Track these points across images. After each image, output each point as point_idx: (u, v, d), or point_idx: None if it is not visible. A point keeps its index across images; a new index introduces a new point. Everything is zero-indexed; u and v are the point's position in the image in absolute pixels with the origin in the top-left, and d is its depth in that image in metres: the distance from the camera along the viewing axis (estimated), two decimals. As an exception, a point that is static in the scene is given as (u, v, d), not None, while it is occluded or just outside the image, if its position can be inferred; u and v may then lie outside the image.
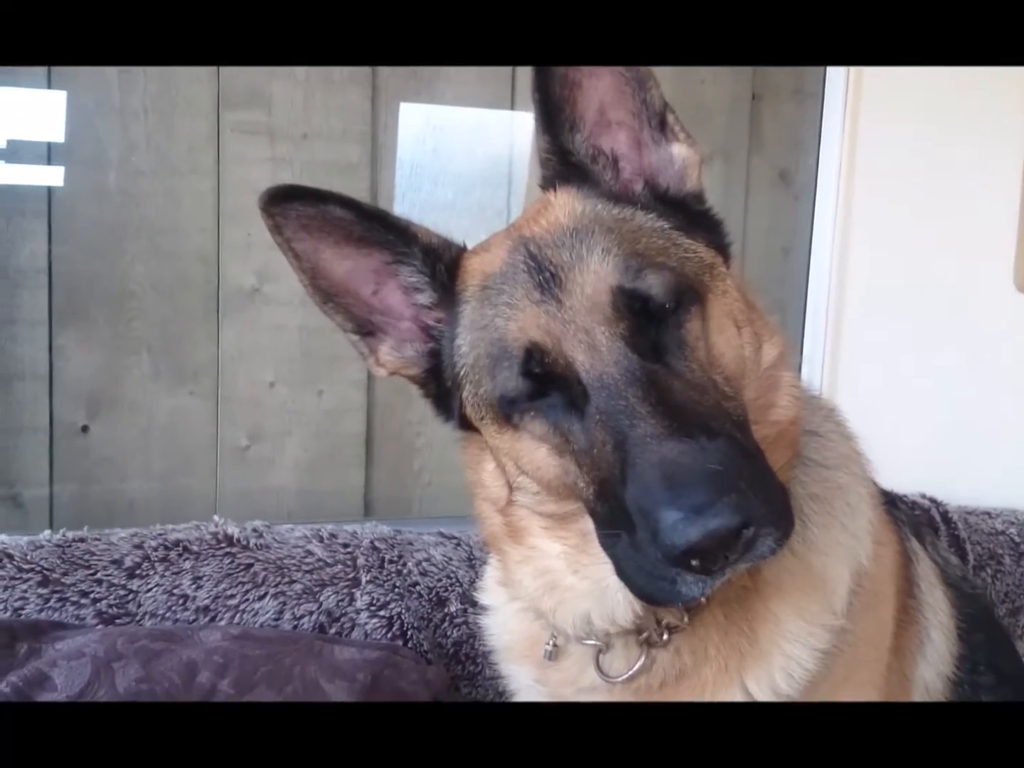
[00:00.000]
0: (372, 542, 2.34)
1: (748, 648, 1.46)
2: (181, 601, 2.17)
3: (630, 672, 1.49)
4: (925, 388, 2.99)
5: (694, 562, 1.16)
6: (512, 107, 2.89)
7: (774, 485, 1.24)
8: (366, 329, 1.54)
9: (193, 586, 2.18)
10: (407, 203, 2.85)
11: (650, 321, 1.31)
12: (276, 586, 2.21)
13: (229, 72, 2.63)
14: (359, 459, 2.86)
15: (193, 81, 2.62)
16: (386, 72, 2.76)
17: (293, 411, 2.79)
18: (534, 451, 1.37)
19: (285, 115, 2.70)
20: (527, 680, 1.65)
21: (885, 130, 2.96)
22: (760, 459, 1.27)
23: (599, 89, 1.42)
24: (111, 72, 2.56)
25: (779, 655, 1.45)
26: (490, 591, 1.75)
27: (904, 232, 2.99)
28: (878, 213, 2.97)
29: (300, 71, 2.67)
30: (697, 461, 1.17)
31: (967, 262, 3.03)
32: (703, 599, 1.36)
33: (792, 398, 1.46)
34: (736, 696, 1.46)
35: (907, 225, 2.99)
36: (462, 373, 1.43)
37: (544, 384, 1.32)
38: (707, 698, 1.46)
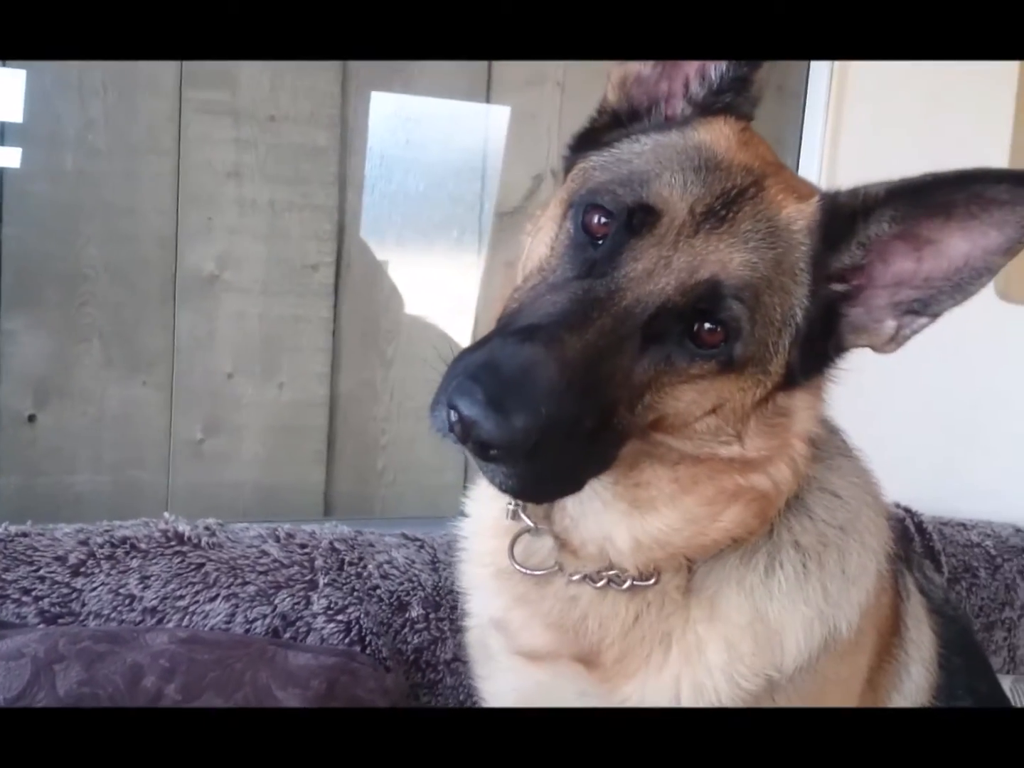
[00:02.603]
0: (331, 543, 2.25)
1: (661, 654, 1.46)
2: (127, 601, 2.07)
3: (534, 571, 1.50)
4: (903, 396, 2.93)
5: (452, 412, 1.16)
6: (487, 100, 2.81)
7: (563, 470, 1.25)
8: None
9: (140, 586, 2.09)
10: (377, 192, 2.77)
11: (687, 319, 1.28)
12: (228, 587, 2.11)
13: (193, 49, 2.52)
14: (320, 455, 2.76)
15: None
16: (357, 56, 2.67)
17: (251, 404, 2.68)
18: (542, 244, 1.38)
19: (251, 96, 2.60)
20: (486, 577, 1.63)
21: (866, 134, 2.90)
22: (583, 453, 1.25)
23: (935, 260, 1.34)
24: (71, 47, 2.45)
25: (688, 675, 1.44)
26: (474, 499, 1.73)
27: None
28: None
29: (268, 50, 2.57)
30: (537, 378, 1.16)
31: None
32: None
33: (783, 479, 1.41)
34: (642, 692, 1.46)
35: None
36: (614, 151, 1.40)
37: (616, 232, 1.30)
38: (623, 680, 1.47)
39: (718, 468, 1.40)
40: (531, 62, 2.81)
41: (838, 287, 1.38)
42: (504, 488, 1.24)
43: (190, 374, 2.63)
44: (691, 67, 1.44)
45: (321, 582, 2.17)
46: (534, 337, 1.19)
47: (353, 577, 2.21)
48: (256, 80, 2.59)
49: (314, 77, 2.64)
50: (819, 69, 2.92)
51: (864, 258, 1.37)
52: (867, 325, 1.39)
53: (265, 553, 2.18)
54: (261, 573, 2.15)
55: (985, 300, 2.91)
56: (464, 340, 2.79)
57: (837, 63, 2.84)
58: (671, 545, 1.42)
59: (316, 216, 2.67)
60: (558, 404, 1.16)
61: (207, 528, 2.20)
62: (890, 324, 1.38)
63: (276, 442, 2.72)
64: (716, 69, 1.42)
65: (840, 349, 1.42)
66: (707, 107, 1.42)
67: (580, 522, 1.46)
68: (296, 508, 2.70)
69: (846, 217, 1.35)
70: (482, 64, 2.78)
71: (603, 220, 1.32)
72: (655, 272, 1.26)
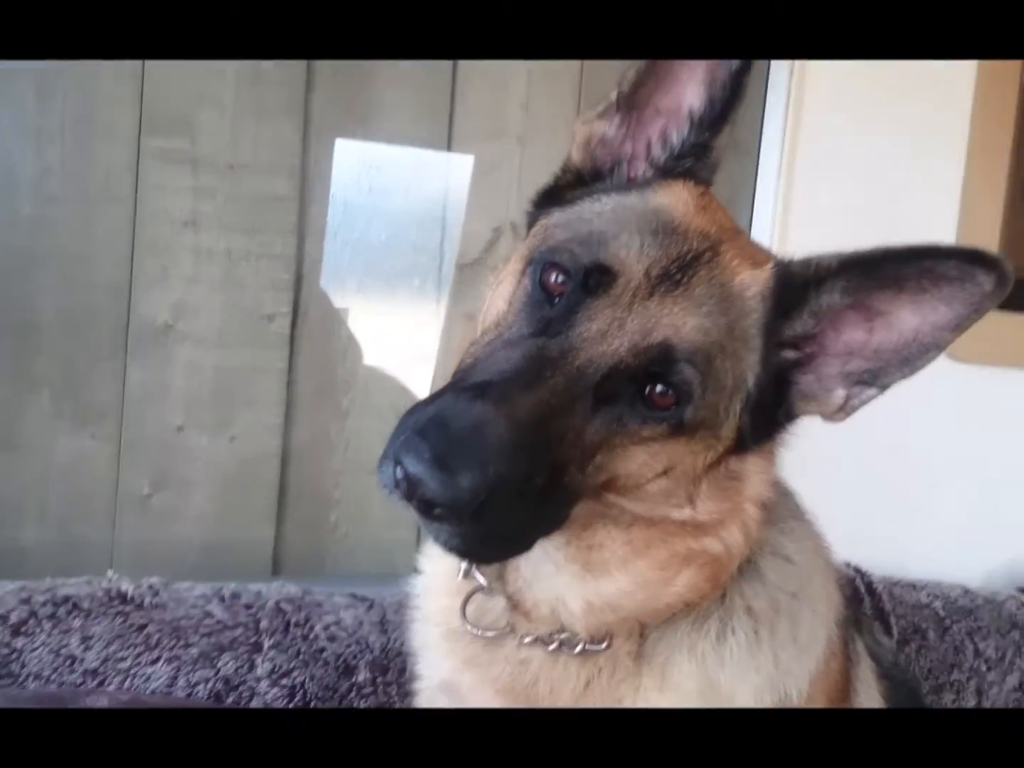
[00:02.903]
0: (277, 603, 2.21)
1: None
2: (68, 662, 2.02)
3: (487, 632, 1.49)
4: (853, 456, 2.94)
5: (397, 467, 1.16)
6: (448, 148, 2.81)
7: (510, 531, 1.25)
8: (622, 104, 1.48)
9: (82, 647, 2.04)
10: (339, 240, 2.75)
11: (639, 380, 1.29)
12: (171, 649, 2.07)
13: (152, 98, 2.50)
14: (270, 511, 2.71)
15: (114, 105, 2.49)
16: (319, 105, 2.65)
17: (201, 457, 2.64)
18: (499, 299, 1.39)
19: (210, 144, 2.57)
20: (435, 635, 1.62)
21: (819, 190, 2.93)
22: (532, 512, 1.25)
23: (887, 330, 1.37)
24: (28, 93, 2.43)
25: None
26: (428, 555, 1.71)
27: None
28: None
29: (228, 99, 2.56)
30: (485, 437, 1.15)
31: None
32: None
33: (735, 542, 1.42)
34: None
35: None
36: (575, 208, 1.43)
37: (571, 292, 1.31)
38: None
39: (671, 531, 1.40)
40: (492, 115, 2.81)
41: (790, 354, 1.40)
42: (448, 547, 1.24)
43: (139, 427, 2.59)
44: (654, 130, 1.47)
45: (266, 644, 2.14)
46: (485, 394, 1.19)
47: (299, 639, 2.17)
48: (216, 129, 2.57)
49: (275, 126, 2.62)
50: (773, 127, 2.93)
51: (816, 327, 1.39)
52: (817, 393, 1.41)
53: (209, 614, 2.14)
54: (204, 635, 2.11)
55: (937, 361, 2.94)
56: (423, 391, 2.77)
57: (790, 121, 2.86)
58: (623, 609, 1.42)
59: (273, 265, 2.65)
60: (506, 463, 1.16)
61: (150, 587, 2.16)
62: (840, 393, 1.40)
63: (225, 497, 2.68)
64: (678, 134, 1.45)
65: (790, 416, 1.43)
66: (668, 171, 1.45)
67: (533, 583, 1.45)
68: (244, 565, 2.66)
69: (799, 286, 1.37)
70: (444, 113, 2.77)
71: (560, 279, 1.33)
72: (609, 333, 1.27)
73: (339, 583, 2.41)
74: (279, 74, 2.59)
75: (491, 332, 1.37)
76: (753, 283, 1.36)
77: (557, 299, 1.32)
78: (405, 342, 2.87)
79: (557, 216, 1.44)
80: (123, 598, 2.11)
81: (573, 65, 2.86)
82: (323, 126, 2.68)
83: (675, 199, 1.40)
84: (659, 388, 1.29)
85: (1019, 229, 3.12)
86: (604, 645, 1.44)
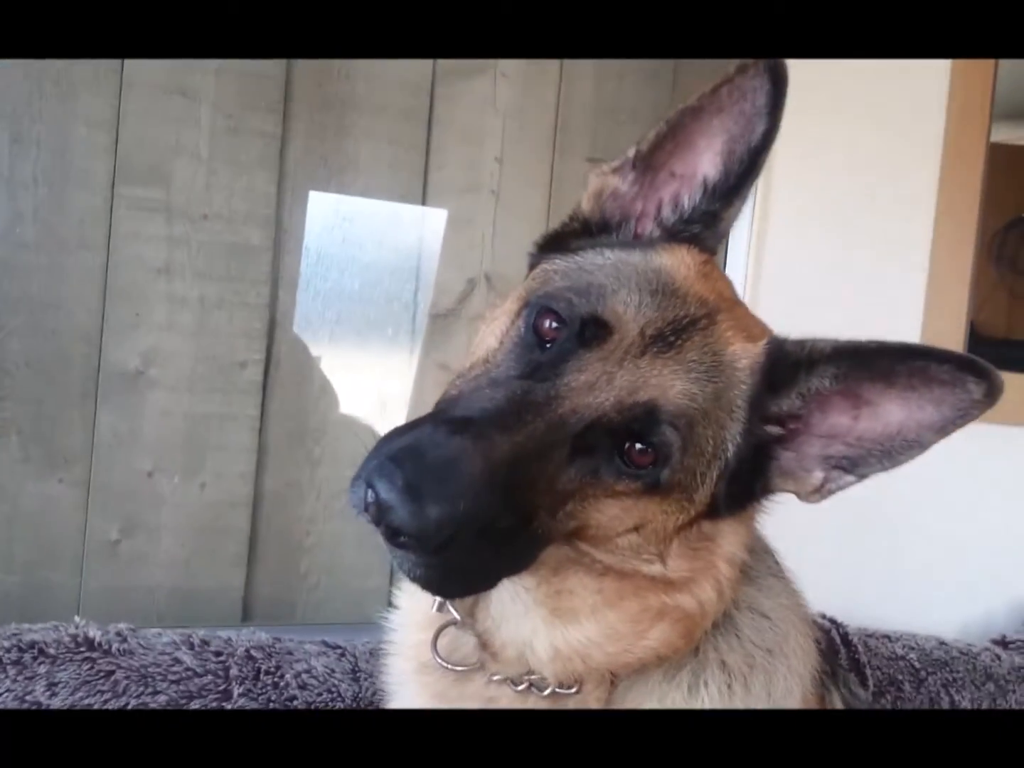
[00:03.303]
0: (247, 651, 2.17)
1: None
2: (34, 709, 1.96)
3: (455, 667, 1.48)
4: (826, 506, 2.95)
5: (369, 491, 1.16)
6: (423, 201, 2.84)
7: (475, 569, 1.25)
8: (639, 163, 1.49)
9: (47, 693, 1.99)
10: (312, 291, 2.77)
11: (619, 437, 1.29)
12: (138, 696, 2.03)
13: (128, 147, 2.52)
14: (240, 558, 2.69)
15: (89, 153, 2.51)
16: (294, 157, 2.69)
17: (171, 503, 2.62)
18: (490, 336, 1.40)
19: (185, 194, 2.59)
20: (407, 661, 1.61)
21: (790, 241, 2.97)
22: (500, 554, 1.26)
23: (876, 421, 1.37)
24: (2, 139, 2.44)
25: None
26: (405, 590, 1.69)
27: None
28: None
29: (204, 149, 2.58)
30: (459, 472, 1.15)
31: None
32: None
33: (707, 600, 1.41)
34: None
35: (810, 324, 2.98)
36: (578, 258, 1.43)
37: (564, 339, 1.32)
38: None
39: (643, 585, 1.39)
40: (466, 168, 2.85)
41: (773, 430, 1.40)
42: (412, 577, 1.23)
43: (109, 472, 2.56)
44: (666, 192, 1.48)
45: (235, 692, 2.10)
46: (464, 430, 1.19)
47: (269, 687, 2.14)
48: (191, 179, 2.59)
49: (250, 175, 2.65)
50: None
51: (802, 407, 1.39)
52: (795, 472, 1.41)
53: (178, 661, 2.10)
54: (173, 682, 2.07)
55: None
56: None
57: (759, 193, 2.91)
58: (592, 659, 1.40)
59: (246, 314, 2.66)
60: (477, 501, 1.16)
61: (118, 634, 2.11)
62: (818, 475, 1.41)
63: (195, 544, 2.65)
64: (690, 199, 1.47)
65: (766, 490, 1.44)
66: (674, 233, 1.46)
67: (502, 624, 1.44)
68: (214, 613, 2.63)
69: (790, 365, 1.37)
70: (419, 166, 2.81)
71: (555, 325, 1.34)
72: (596, 386, 1.28)
73: (310, 631, 2.38)
74: (255, 125, 2.62)
75: (479, 367, 1.37)
76: (745, 355, 1.37)
77: (549, 344, 1.33)
78: (377, 391, 2.88)
79: (559, 263, 1.45)
80: (90, 644, 2.07)
81: (548, 119, 2.92)
82: (298, 178, 2.71)
83: (678, 262, 1.41)
84: (639, 446, 1.29)
85: (987, 290, 3.18)
86: (574, 690, 1.43)
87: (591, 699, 1.43)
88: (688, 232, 1.46)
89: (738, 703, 1.44)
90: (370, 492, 1.16)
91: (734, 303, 1.46)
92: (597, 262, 1.42)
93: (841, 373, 1.36)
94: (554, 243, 1.51)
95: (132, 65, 2.50)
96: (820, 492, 1.42)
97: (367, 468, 1.18)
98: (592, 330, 1.32)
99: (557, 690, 1.43)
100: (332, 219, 2.80)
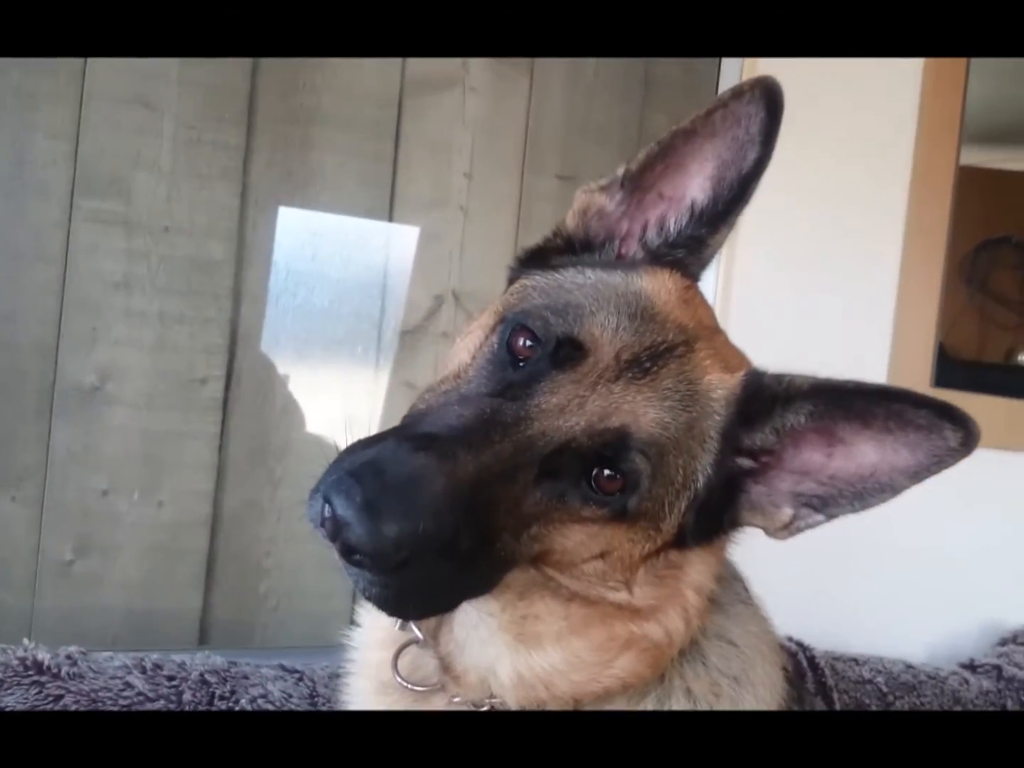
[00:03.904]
0: (202, 675, 2.12)
1: None
2: (-23, 735, 1.92)
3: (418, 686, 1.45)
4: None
5: (325, 506, 1.13)
6: (391, 217, 2.80)
7: (435, 591, 1.22)
8: (627, 182, 1.47)
9: (-7, 718, 1.94)
10: (280, 306, 2.73)
11: (589, 463, 1.26)
12: (87, 722, 1.98)
13: (88, 158, 2.48)
14: (198, 579, 2.63)
15: (48, 164, 2.46)
16: (257, 170, 2.65)
17: (127, 523, 2.55)
18: (462, 351, 1.38)
19: (146, 207, 2.54)
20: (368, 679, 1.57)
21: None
22: (462, 576, 1.23)
23: (845, 460, 1.35)
24: (-41, 152, 2.40)
25: None
26: (367, 608, 1.64)
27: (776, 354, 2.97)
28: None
29: (165, 162, 2.54)
30: (421, 490, 1.13)
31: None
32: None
33: (675, 629, 1.39)
34: None
35: (775, 364, 2.97)
36: (557, 275, 1.41)
37: (538, 358, 1.29)
38: None
39: (610, 613, 1.37)
40: (435, 184, 2.82)
41: (745, 462, 1.38)
42: (367, 596, 1.20)
43: (63, 490, 2.50)
44: (653, 214, 1.46)
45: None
46: (429, 448, 1.16)
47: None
48: (152, 191, 2.55)
49: (212, 189, 2.60)
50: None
51: (776, 443, 1.37)
52: (765, 507, 1.39)
53: (129, 685, 2.04)
54: (124, 707, 2.01)
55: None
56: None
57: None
58: (556, 687, 1.37)
59: (207, 329, 2.61)
60: (437, 521, 1.13)
61: (68, 657, 2.05)
62: (787, 511, 1.38)
63: (151, 564, 2.59)
64: (676, 223, 1.44)
65: (734, 523, 1.41)
66: (658, 256, 1.44)
67: (465, 648, 1.41)
68: (170, 636, 2.57)
69: (767, 399, 1.35)
70: (386, 183, 2.78)
71: (529, 343, 1.31)
72: (567, 409, 1.25)
73: (268, 655, 2.33)
74: (218, 137, 2.58)
75: (449, 382, 1.34)
76: (721, 386, 1.35)
77: (522, 363, 1.30)
78: (343, 409, 2.83)
79: (538, 279, 1.42)
80: (39, 668, 2.01)
81: (517, 135, 2.89)
82: (261, 191, 2.67)
83: (659, 286, 1.39)
84: (607, 472, 1.26)
85: (956, 312, 3.19)
86: None
87: None
88: (672, 256, 1.44)
89: None
90: (327, 507, 1.13)
91: (714, 331, 1.43)
92: (577, 281, 1.39)
93: (817, 411, 1.33)
94: (535, 258, 1.49)
95: (93, 75, 2.46)
96: (788, 529, 1.39)
97: (326, 481, 1.15)
98: (567, 351, 1.29)
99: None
100: (301, 234, 2.76)
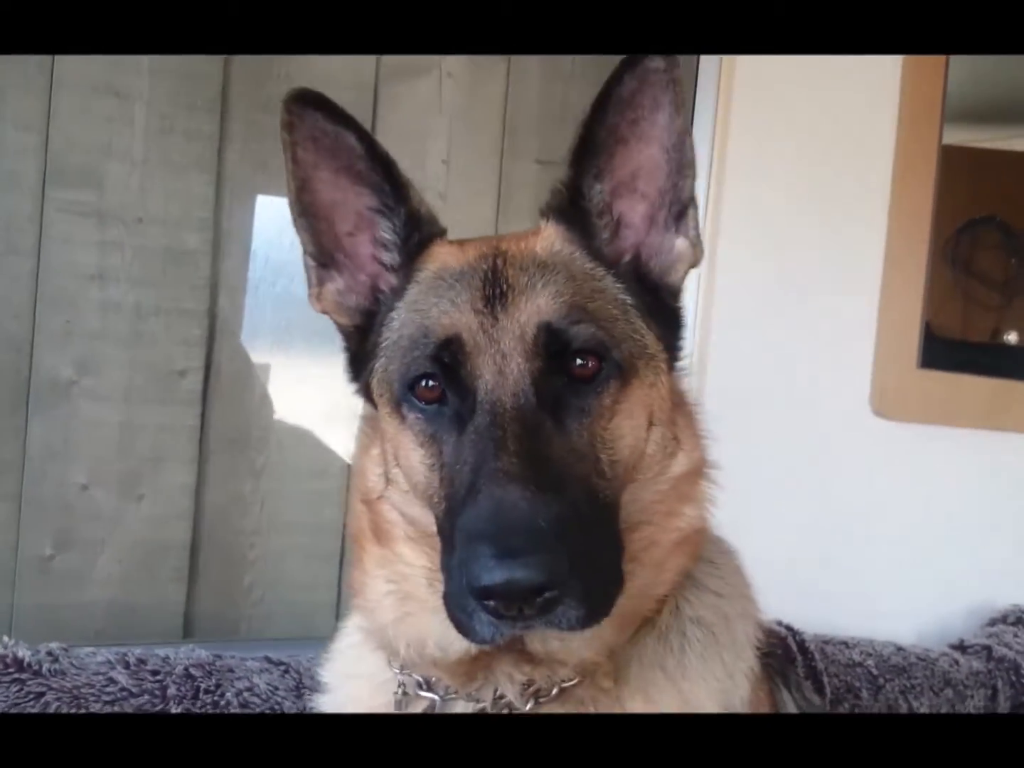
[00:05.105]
0: (186, 669, 2.09)
1: None
2: (-43, 734, 1.89)
3: None
4: (779, 512, 2.93)
5: (489, 602, 1.20)
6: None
7: (605, 570, 1.28)
8: (324, 260, 1.56)
9: (-28, 717, 1.91)
10: (260, 295, 2.72)
11: (564, 372, 1.36)
12: (69, 719, 1.95)
13: (58, 148, 2.45)
14: (181, 573, 2.60)
15: (18, 155, 2.42)
16: (232, 158, 2.62)
17: (108, 517, 2.53)
18: (411, 451, 1.42)
19: (118, 197, 2.51)
20: None
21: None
22: (606, 541, 1.31)
23: (641, 155, 1.47)
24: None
25: None
26: (334, 659, 1.68)
27: (759, 353, 2.96)
28: (734, 321, 2.94)
29: (137, 151, 2.51)
30: (530, 512, 1.20)
31: (823, 385, 3.00)
32: (496, 643, 1.31)
33: (702, 510, 1.50)
34: None
35: (762, 344, 2.96)
36: (384, 344, 1.48)
37: (447, 380, 1.37)
38: None
39: (665, 524, 1.45)
40: (412, 171, 2.74)
41: (606, 232, 1.50)
42: (576, 621, 1.24)
43: (41, 485, 2.47)
44: (364, 249, 1.55)
45: (173, 712, 2.02)
46: (507, 488, 1.23)
47: (209, 707, 2.06)
48: (124, 181, 2.52)
49: (186, 178, 2.57)
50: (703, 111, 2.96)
51: (605, 207, 1.49)
52: (662, 253, 1.51)
53: (112, 681, 2.02)
54: (107, 703, 1.99)
55: (860, 417, 2.98)
56: (341, 449, 2.70)
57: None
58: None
59: (184, 320, 2.58)
60: (553, 505, 1.22)
61: (49, 653, 2.02)
62: (678, 241, 1.51)
63: (133, 559, 2.56)
64: (384, 231, 1.52)
65: (672, 292, 1.53)
66: (410, 252, 1.52)
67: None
68: (154, 630, 2.54)
69: (574, 210, 1.48)
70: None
71: (430, 383, 1.39)
72: (501, 367, 1.34)
73: (253, 647, 2.30)
74: (191, 125, 2.55)
75: (435, 483, 1.39)
76: (550, 238, 1.47)
77: (445, 397, 1.38)
78: (324, 400, 2.80)
79: (381, 362, 1.48)
80: (19, 664, 1.98)
81: (495, 121, 2.87)
82: (236, 180, 2.64)
83: (438, 256, 1.49)
84: (578, 362, 1.37)
85: (942, 292, 3.18)
86: (575, 680, 1.43)
87: (599, 676, 1.43)
88: (414, 241, 1.51)
89: (713, 654, 1.50)
90: (490, 603, 1.19)
91: (500, 237, 1.54)
92: (395, 327, 1.48)
93: (597, 170, 1.46)
94: (358, 360, 1.55)
95: (62, 64, 2.43)
96: (691, 243, 1.51)
97: (480, 568, 1.19)
98: (450, 353, 1.37)
99: (563, 684, 1.42)
100: (280, 223, 2.72)
